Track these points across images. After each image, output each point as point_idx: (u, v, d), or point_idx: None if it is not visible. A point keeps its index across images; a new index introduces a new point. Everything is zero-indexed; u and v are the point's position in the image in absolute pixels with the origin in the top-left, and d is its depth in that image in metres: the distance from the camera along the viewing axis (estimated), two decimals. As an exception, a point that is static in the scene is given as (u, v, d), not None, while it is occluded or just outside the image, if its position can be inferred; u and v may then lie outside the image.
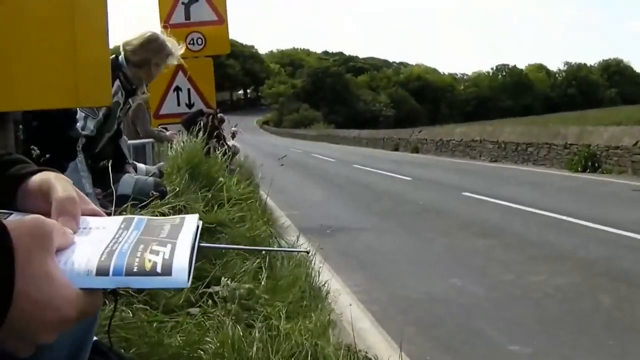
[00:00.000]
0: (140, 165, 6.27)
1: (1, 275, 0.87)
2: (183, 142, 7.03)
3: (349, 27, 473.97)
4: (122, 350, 2.72)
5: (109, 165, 4.49)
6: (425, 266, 9.63)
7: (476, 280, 8.49)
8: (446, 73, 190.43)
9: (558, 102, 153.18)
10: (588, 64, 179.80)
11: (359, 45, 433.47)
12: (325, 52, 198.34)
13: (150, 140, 9.32)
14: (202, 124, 7.84)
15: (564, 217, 12.82)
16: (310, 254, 6.51)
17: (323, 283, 6.17)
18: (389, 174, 25.71)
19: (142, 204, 4.45)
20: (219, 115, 9.66)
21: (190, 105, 9.97)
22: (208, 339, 3.41)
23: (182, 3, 10.06)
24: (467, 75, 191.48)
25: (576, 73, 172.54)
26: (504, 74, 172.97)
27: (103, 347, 1.30)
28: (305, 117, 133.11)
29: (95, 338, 1.27)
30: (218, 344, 3.36)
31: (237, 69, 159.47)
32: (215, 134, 8.69)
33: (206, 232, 4.80)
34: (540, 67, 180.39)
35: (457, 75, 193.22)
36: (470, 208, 15.40)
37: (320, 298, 5.67)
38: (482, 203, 16.06)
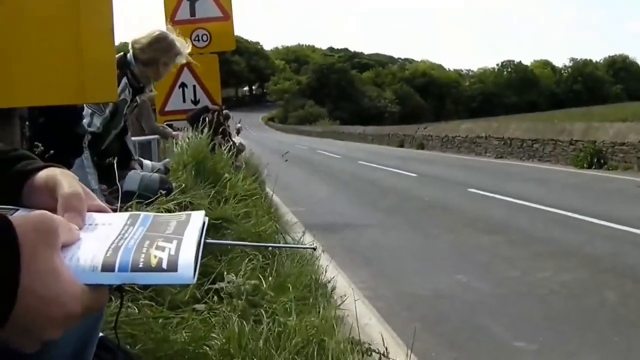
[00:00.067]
0: (146, 162, 6.28)
1: (7, 271, 0.87)
2: (188, 138, 7.03)
3: (354, 23, 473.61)
4: (128, 346, 2.72)
5: (115, 161, 4.49)
6: (430, 262, 9.62)
7: (481, 277, 8.49)
8: (451, 69, 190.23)
9: (563, 98, 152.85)
10: (594, 60, 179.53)
11: (364, 41, 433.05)
12: (331, 49, 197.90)
13: (156, 136, 9.34)
14: (207, 120, 7.84)
15: (570, 214, 12.81)
16: (316, 250, 6.51)
17: (329, 279, 6.17)
18: (394, 170, 25.69)
19: (148, 200, 4.46)
20: (224, 111, 9.66)
21: (195, 102, 9.96)
22: (214, 335, 3.41)
23: (187, -1, 10.06)
24: (472, 71, 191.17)
25: (582, 69, 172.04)
26: (510, 70, 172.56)
27: (109, 343, 1.31)
28: (311, 114, 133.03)
29: (101, 334, 1.27)
30: (224, 340, 3.36)
31: (243, 66, 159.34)
32: (220, 130, 8.69)
33: (212, 228, 4.80)
34: (546, 63, 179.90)
35: (462, 71, 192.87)
36: (475, 204, 15.40)
37: (326, 294, 5.67)
38: (488, 199, 16.05)
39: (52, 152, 3.47)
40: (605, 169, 22.78)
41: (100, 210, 1.11)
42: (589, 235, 10.93)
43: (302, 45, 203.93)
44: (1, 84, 2.46)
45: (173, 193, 4.99)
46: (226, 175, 6.50)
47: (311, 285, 5.25)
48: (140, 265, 0.95)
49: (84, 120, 4.92)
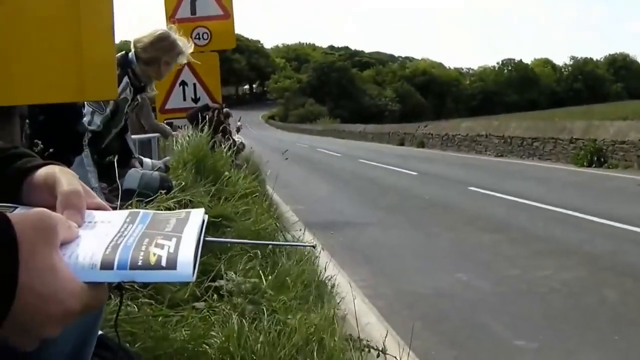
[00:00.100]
0: (146, 160, 6.28)
1: (5, 269, 0.87)
2: (188, 136, 7.03)
3: (355, 22, 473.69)
4: (128, 345, 2.72)
5: (115, 160, 4.49)
6: (431, 261, 9.63)
7: (482, 275, 8.49)
8: (452, 68, 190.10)
9: (564, 97, 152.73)
10: (594, 59, 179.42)
11: (365, 40, 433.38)
12: (331, 47, 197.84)
13: (156, 135, 9.34)
14: (207, 118, 7.84)
15: (570, 212, 12.81)
16: (315, 248, 6.51)
17: (329, 278, 6.17)
18: (394, 168, 25.70)
19: (148, 198, 4.45)
20: (224, 109, 9.65)
21: (196, 100, 9.96)
22: (213, 333, 3.40)
23: (188, -3, 10.06)
24: (472, 69, 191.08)
25: (582, 67, 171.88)
26: (510, 68, 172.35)
27: (109, 341, 1.31)
28: (311, 112, 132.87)
29: (100, 332, 1.27)
30: (223, 338, 3.36)
31: (243, 64, 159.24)
32: (220, 128, 8.69)
33: (211, 226, 4.80)
34: (546, 62, 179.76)
35: (462, 69, 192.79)
36: (476, 203, 15.40)
37: (326, 292, 5.67)
38: (488, 198, 16.06)
39: (52, 150, 3.47)
40: (605, 168, 22.79)
41: (99, 208, 1.11)
42: (589, 233, 10.94)
43: (303, 43, 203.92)
44: (1, 83, 2.46)
45: (173, 191, 4.99)
46: (226, 173, 6.49)
47: (311, 284, 5.24)
48: (139, 263, 0.95)
49: (85, 119, 4.92)
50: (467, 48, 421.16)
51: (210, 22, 10.15)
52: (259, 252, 5.15)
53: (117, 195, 4.22)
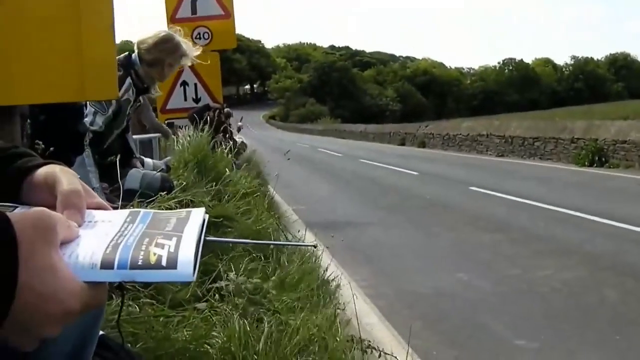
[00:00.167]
0: (148, 160, 6.28)
1: (5, 268, 0.87)
2: (189, 136, 7.03)
3: (355, 22, 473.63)
4: (129, 345, 2.72)
5: (117, 160, 4.49)
6: (431, 261, 9.63)
7: (482, 275, 8.49)
8: (453, 67, 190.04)
9: (565, 97, 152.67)
10: (595, 58, 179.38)
11: (366, 40, 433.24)
12: (332, 47, 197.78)
13: (157, 135, 9.35)
14: (208, 118, 7.85)
15: (571, 212, 12.81)
16: (317, 248, 6.51)
17: (330, 278, 6.17)
18: (395, 168, 25.70)
19: (149, 199, 4.45)
20: (225, 109, 9.66)
21: (197, 100, 9.97)
22: (215, 334, 3.40)
23: (189, -3, 10.06)
24: (473, 69, 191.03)
25: (583, 67, 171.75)
26: (511, 68, 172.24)
27: (110, 341, 1.31)
28: (312, 112, 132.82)
29: (102, 332, 1.27)
30: (225, 339, 3.36)
31: (244, 64, 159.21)
32: (221, 128, 8.70)
33: (212, 226, 4.80)
34: (547, 61, 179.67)
35: (463, 69, 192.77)
36: (476, 203, 15.40)
37: (328, 292, 5.66)
38: (489, 198, 16.06)
39: (52, 149, 3.47)
40: (606, 167, 22.79)
41: (99, 207, 1.11)
42: (590, 233, 10.93)
43: (304, 43, 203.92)
44: (1, 82, 2.46)
45: (174, 191, 4.98)
46: (227, 173, 6.49)
47: (313, 284, 5.24)
48: (140, 263, 0.94)
49: (87, 119, 4.92)
50: (467, 48, 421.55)
51: (210, 22, 10.16)
52: (260, 252, 5.15)
53: (119, 196, 4.23)
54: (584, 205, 13.46)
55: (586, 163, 23.79)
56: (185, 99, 10.01)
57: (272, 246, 5.46)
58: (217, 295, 3.94)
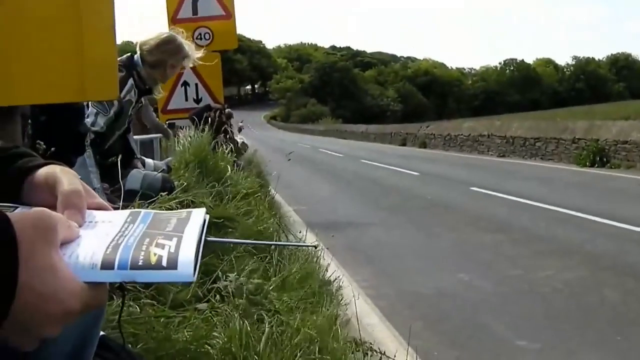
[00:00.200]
0: (149, 161, 6.28)
1: (5, 268, 0.87)
2: (190, 137, 7.03)
3: (356, 22, 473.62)
4: (130, 346, 2.72)
5: (118, 160, 4.49)
6: (432, 261, 9.63)
7: (484, 275, 8.49)
8: (454, 67, 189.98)
9: (566, 97, 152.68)
10: (596, 58, 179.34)
11: (367, 40, 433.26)
12: (333, 47, 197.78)
13: (158, 135, 9.35)
14: (209, 119, 7.85)
15: (572, 212, 12.81)
16: (317, 249, 6.52)
17: (332, 278, 6.18)
18: (396, 169, 25.70)
19: (150, 199, 4.45)
20: (226, 110, 9.66)
21: (198, 100, 9.97)
22: (215, 334, 3.40)
23: (190, -3, 10.06)
24: (474, 69, 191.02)
25: (584, 67, 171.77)
26: (512, 68, 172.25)
27: (111, 342, 1.30)
28: (313, 112, 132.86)
29: (102, 333, 1.27)
30: (226, 339, 3.36)
31: (245, 64, 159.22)
32: (222, 129, 8.70)
33: (213, 227, 4.80)
34: (549, 62, 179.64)
35: (464, 69, 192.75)
36: (478, 203, 15.40)
37: (329, 293, 5.67)
38: (490, 198, 16.06)
39: (53, 149, 3.47)
40: (607, 168, 22.78)
41: (100, 207, 1.11)
42: (591, 233, 10.93)
43: (305, 43, 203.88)
44: (1, 83, 2.46)
45: (175, 192, 4.99)
46: (228, 173, 6.50)
47: (313, 285, 5.24)
48: (140, 263, 0.94)
49: (88, 119, 4.92)
50: (468, 48, 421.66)
51: (212, 22, 10.16)
52: (261, 253, 5.15)
53: (120, 196, 4.23)
54: (585, 205, 13.47)
55: (587, 163, 23.78)
56: (186, 100, 10.00)
57: (272, 247, 5.46)
58: (217, 295, 3.94)
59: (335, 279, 6.23)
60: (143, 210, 1.10)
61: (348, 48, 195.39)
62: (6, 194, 1.11)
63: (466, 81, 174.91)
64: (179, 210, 1.12)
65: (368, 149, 44.95)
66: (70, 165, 3.80)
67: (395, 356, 4.62)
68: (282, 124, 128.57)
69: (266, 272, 4.87)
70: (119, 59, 5.27)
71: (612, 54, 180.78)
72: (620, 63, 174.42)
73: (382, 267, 9.24)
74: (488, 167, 25.79)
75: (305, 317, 4.10)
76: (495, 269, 8.85)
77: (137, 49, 5.43)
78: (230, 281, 4.10)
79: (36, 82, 2.55)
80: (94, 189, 1.16)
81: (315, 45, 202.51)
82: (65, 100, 2.85)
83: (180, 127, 9.79)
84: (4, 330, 0.88)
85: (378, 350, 4.66)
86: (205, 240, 1.04)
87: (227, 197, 5.95)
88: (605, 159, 23.43)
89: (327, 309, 4.73)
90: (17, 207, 1.07)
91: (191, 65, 5.93)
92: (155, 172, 5.45)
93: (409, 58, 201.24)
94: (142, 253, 0.95)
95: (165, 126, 9.76)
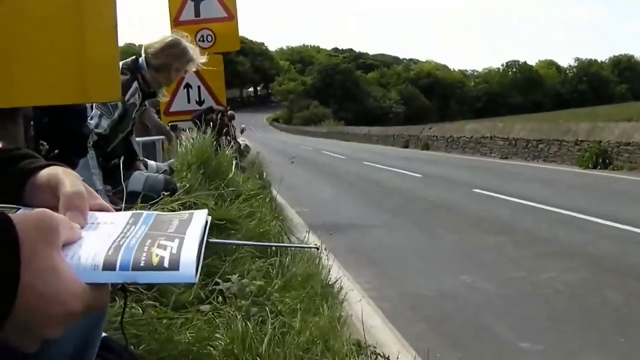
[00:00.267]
0: (151, 163, 6.28)
1: (7, 268, 0.87)
2: (193, 138, 7.04)
3: (356, 22, 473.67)
4: (132, 347, 2.72)
5: (120, 162, 4.50)
6: (435, 263, 9.63)
7: (486, 277, 8.48)
8: (456, 69, 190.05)
9: (568, 98, 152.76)
10: (599, 60, 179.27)
11: (368, 42, 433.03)
12: (335, 49, 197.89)
13: (160, 137, 9.35)
14: (212, 121, 7.85)
15: (575, 214, 12.80)
16: (319, 250, 6.52)
17: (334, 280, 6.18)
18: (399, 170, 25.70)
19: (152, 201, 4.45)
20: (229, 112, 9.67)
21: (200, 103, 9.96)
22: (218, 336, 3.41)
23: (192, 0, 10.05)
24: (477, 71, 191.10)
25: (587, 69, 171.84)
26: (515, 70, 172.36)
27: (113, 343, 1.30)
28: (315, 114, 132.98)
29: (105, 334, 1.27)
30: (228, 341, 3.36)
31: (247, 66, 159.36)
32: (224, 131, 8.70)
33: (216, 229, 4.80)
34: (551, 64, 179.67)
35: (467, 71, 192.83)
36: (480, 205, 15.39)
37: (331, 295, 5.67)
38: (493, 200, 16.05)
39: (56, 151, 3.48)
40: (610, 169, 22.74)
41: (102, 209, 1.11)
42: (594, 235, 10.92)
43: (307, 45, 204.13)
44: (1, 84, 2.46)
45: (177, 193, 4.99)
46: (230, 175, 6.50)
47: (316, 286, 5.24)
48: (142, 264, 0.94)
49: (92, 121, 4.93)
50: (468, 49, 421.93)
51: (214, 25, 10.15)
52: (264, 254, 5.15)
53: (122, 198, 4.23)
54: (588, 207, 13.45)
55: (590, 165, 23.75)
56: (189, 102, 10.00)
57: (275, 248, 5.46)
58: (220, 297, 3.94)
59: (337, 279, 6.23)
60: (145, 212, 1.10)
61: (350, 50, 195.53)
62: (8, 195, 1.11)
63: (469, 83, 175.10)
64: (180, 212, 1.12)
65: (370, 151, 44.97)
66: (73, 166, 3.79)
67: (397, 358, 4.62)
68: (285, 126, 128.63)
69: (268, 274, 4.87)
70: (123, 62, 5.30)
71: (614, 56, 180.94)
72: (622, 65, 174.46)
73: (385, 269, 9.23)
74: (491, 168, 25.78)
75: (308, 319, 4.10)
76: (498, 271, 8.85)
77: (142, 52, 5.45)
78: (233, 283, 4.11)
79: (37, 84, 2.54)
80: (96, 191, 1.16)
81: (318, 47, 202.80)
82: (66, 101, 2.85)
83: (183, 129, 9.78)
84: (6, 331, 0.88)
85: (382, 354, 4.66)
86: (207, 241, 1.04)
87: (229, 199, 5.95)
88: (607, 161, 23.40)
89: (330, 311, 4.73)
90: (19, 209, 1.07)
91: (195, 69, 5.94)
92: (158, 174, 5.46)
93: (411, 60, 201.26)
94: (144, 254, 0.95)
95: (168, 127, 9.76)
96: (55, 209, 1.02)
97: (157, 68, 5.39)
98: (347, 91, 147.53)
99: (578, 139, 25.80)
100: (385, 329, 6.39)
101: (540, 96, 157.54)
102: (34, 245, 0.90)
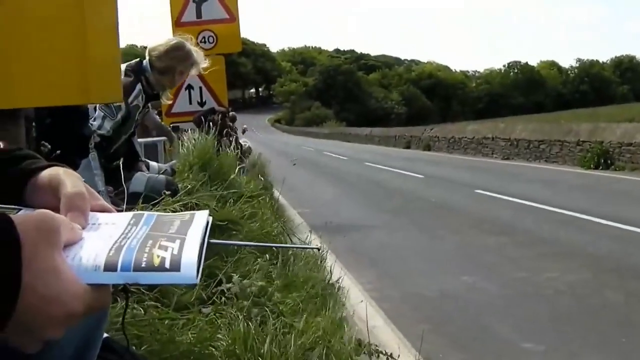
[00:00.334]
0: (153, 164, 6.29)
1: (8, 269, 0.87)
2: (194, 139, 7.04)
3: (359, 24, 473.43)
4: (134, 348, 2.72)
5: (122, 163, 4.50)
6: (436, 263, 9.63)
7: (488, 278, 8.48)
8: (458, 70, 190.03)
9: (570, 99, 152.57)
10: (600, 61, 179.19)
11: (371, 43, 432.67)
12: (337, 50, 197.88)
13: (162, 138, 9.36)
14: (213, 122, 7.85)
15: (576, 214, 12.80)
16: (321, 251, 6.52)
17: (335, 280, 6.18)
18: (401, 171, 25.70)
19: (154, 202, 4.46)
20: (230, 113, 9.67)
21: (202, 104, 9.97)
22: (220, 336, 3.41)
23: (194, 1, 10.03)
24: (478, 72, 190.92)
25: (588, 70, 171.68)
26: (516, 71, 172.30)
27: (114, 344, 1.31)
28: (317, 115, 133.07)
29: (106, 335, 1.27)
30: (230, 341, 3.36)
31: (249, 67, 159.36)
32: (225, 132, 8.71)
33: (218, 230, 4.81)
34: (552, 64, 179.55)
35: (468, 72, 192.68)
36: (482, 205, 15.39)
37: (333, 295, 5.67)
38: (494, 200, 16.04)
39: (58, 152, 3.48)
40: (612, 170, 22.73)
41: (103, 209, 1.11)
42: (594, 235, 10.92)
43: (309, 47, 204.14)
44: (2, 85, 2.45)
45: (179, 194, 4.99)
46: (232, 176, 6.50)
47: (317, 286, 5.25)
48: (143, 265, 0.94)
49: (95, 123, 4.94)
50: (469, 49, 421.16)
51: (215, 26, 10.15)
52: (265, 255, 5.16)
53: (123, 199, 4.23)
54: (589, 207, 13.45)
55: (592, 165, 23.75)
56: (191, 103, 10.00)
57: (276, 249, 5.46)
58: (222, 297, 3.94)
59: (337, 279, 6.23)
60: (146, 213, 1.11)
61: (352, 51, 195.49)
62: (9, 196, 1.11)
63: (470, 84, 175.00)
64: (182, 213, 1.12)
65: (372, 151, 44.97)
66: (75, 167, 3.80)
67: (399, 357, 4.62)
68: (286, 127, 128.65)
69: (270, 275, 4.87)
70: (127, 64, 5.31)
71: (616, 56, 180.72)
72: (624, 65, 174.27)
73: (386, 270, 9.24)
74: (492, 169, 25.78)
75: (309, 319, 4.10)
76: (499, 272, 8.84)
77: (146, 54, 5.45)
78: (234, 283, 4.11)
79: (37, 84, 2.54)
80: (98, 192, 1.16)
81: (319, 48, 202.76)
82: (67, 102, 2.84)
83: (185, 130, 9.79)
84: (7, 331, 0.88)
85: (384, 353, 4.66)
86: (208, 242, 1.04)
87: (231, 199, 5.95)
88: (609, 161, 23.39)
89: (331, 311, 4.73)
90: (20, 209, 1.07)
91: (199, 72, 5.95)
92: (159, 175, 5.46)
93: (412, 61, 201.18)
94: (145, 255, 0.96)
95: (169, 128, 9.76)
96: (56, 209, 1.02)
97: (161, 71, 5.39)
98: (349, 92, 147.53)
99: (580, 139, 25.80)
100: (388, 329, 6.39)
101: (541, 97, 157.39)
102: (35, 246, 0.90)
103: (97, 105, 4.90)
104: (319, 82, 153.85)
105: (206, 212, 1.11)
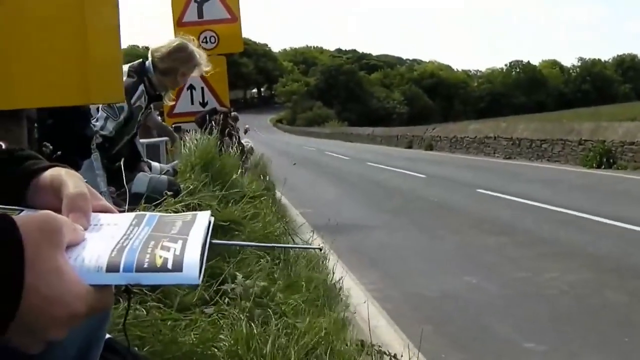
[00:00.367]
0: (155, 164, 6.29)
1: (11, 270, 0.87)
2: (196, 140, 7.04)
3: (359, 24, 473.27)
4: (136, 348, 2.72)
5: (124, 163, 4.50)
6: (437, 264, 9.62)
7: (488, 278, 8.48)
8: (459, 70, 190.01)
9: (572, 98, 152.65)
10: (602, 60, 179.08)
11: (372, 42, 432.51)
12: (339, 50, 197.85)
13: (164, 139, 9.35)
14: (215, 122, 7.85)
15: (577, 214, 12.79)
16: (323, 251, 6.52)
17: (337, 280, 6.18)
18: (402, 171, 25.69)
19: (156, 202, 4.46)
20: (232, 113, 9.67)
21: (203, 104, 9.96)
22: (222, 337, 3.41)
23: (195, 1, 10.04)
24: (480, 71, 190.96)
25: (590, 69, 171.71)
26: (518, 70, 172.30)
27: (117, 345, 1.31)
28: (319, 115, 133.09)
29: (109, 336, 1.27)
30: (232, 342, 3.37)
31: (251, 68, 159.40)
32: (227, 132, 8.71)
33: (220, 230, 4.81)
34: (554, 63, 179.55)
35: (470, 71, 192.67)
36: (482, 205, 15.39)
37: (335, 295, 5.67)
38: (496, 200, 16.03)
39: (60, 153, 3.48)
40: (614, 169, 22.71)
41: (105, 210, 1.11)
42: (595, 235, 10.91)
43: (310, 46, 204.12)
44: (2, 85, 2.45)
45: (181, 195, 4.99)
46: (234, 176, 6.50)
47: (319, 287, 5.25)
48: (145, 266, 0.94)
49: (97, 123, 4.94)
50: (469, 48, 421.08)
51: (217, 26, 10.15)
52: (268, 255, 5.16)
53: (126, 199, 4.23)
54: (590, 207, 13.44)
55: (594, 165, 23.72)
56: (192, 103, 10.00)
57: (278, 249, 5.46)
58: (224, 298, 3.94)
59: (339, 279, 6.23)
60: (148, 213, 1.10)
61: (354, 51, 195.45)
62: (11, 197, 1.11)
63: (472, 83, 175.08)
64: (184, 213, 1.12)
65: (374, 151, 44.95)
66: (77, 168, 3.80)
67: (402, 356, 4.62)
68: (288, 127, 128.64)
69: (272, 275, 4.87)
70: (130, 64, 5.31)
71: (617, 55, 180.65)
72: (626, 64, 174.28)
73: (387, 270, 9.23)
74: (494, 169, 25.77)
75: (312, 320, 4.10)
76: (500, 272, 8.84)
77: (149, 55, 5.45)
78: (237, 284, 4.11)
79: (38, 85, 2.54)
80: (100, 193, 1.16)
81: (321, 48, 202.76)
82: (68, 103, 2.84)
83: (187, 130, 9.79)
84: (9, 332, 0.88)
85: (388, 353, 4.66)
86: (210, 243, 1.04)
87: (233, 200, 5.95)
88: (611, 161, 23.37)
89: (333, 312, 4.73)
90: (22, 210, 1.07)
91: (201, 73, 5.95)
92: (161, 175, 5.46)
93: (414, 60, 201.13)
94: (148, 255, 0.95)
95: (171, 129, 9.76)
96: (58, 210, 1.02)
97: (164, 72, 5.39)
98: (351, 92, 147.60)
99: (582, 138, 25.78)
100: (390, 329, 6.39)
101: (543, 96, 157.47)
102: (37, 247, 0.90)
103: (100, 106, 4.91)
104: (320, 82, 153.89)
105: (208, 212, 1.11)
